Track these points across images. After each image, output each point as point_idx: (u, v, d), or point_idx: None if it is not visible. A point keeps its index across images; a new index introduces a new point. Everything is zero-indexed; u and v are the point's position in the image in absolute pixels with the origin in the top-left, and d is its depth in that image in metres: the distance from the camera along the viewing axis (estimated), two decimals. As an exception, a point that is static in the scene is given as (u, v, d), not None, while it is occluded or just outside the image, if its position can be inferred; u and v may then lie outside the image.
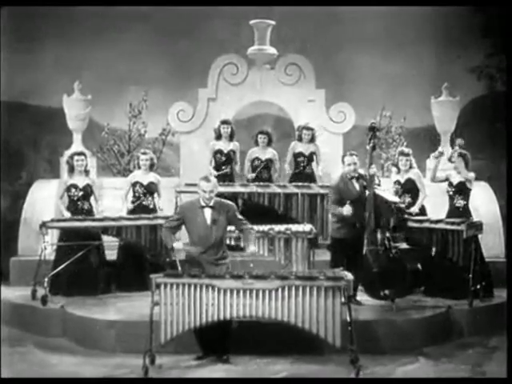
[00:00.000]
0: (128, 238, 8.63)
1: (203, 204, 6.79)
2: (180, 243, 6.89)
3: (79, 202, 8.79)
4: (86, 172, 8.91)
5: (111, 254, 9.08)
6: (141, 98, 12.43)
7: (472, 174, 8.43)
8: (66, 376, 6.53)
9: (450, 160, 8.57)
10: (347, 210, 7.74)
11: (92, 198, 8.93)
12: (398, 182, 8.75)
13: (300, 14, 11.92)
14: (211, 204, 6.78)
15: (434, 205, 8.95)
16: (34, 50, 12.37)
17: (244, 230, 6.97)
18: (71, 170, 8.83)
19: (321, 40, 12.60)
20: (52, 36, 12.50)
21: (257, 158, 10.16)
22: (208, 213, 6.79)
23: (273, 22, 11.03)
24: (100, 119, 12.40)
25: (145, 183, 9.07)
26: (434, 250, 8.44)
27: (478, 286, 8.07)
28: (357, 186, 7.92)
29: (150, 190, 9.08)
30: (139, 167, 9.16)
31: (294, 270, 7.71)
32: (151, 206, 9.06)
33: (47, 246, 8.45)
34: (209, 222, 6.77)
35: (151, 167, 9.16)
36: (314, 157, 10.16)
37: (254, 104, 11.49)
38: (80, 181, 8.82)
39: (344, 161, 8.03)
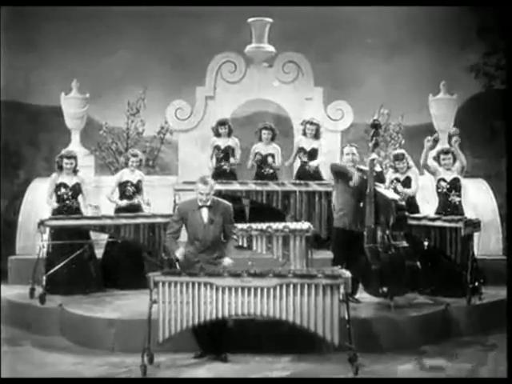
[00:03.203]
0: (126, 237, 8.62)
1: (200, 204, 6.78)
2: (182, 252, 6.84)
3: (68, 200, 8.73)
4: (75, 172, 8.86)
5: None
6: (139, 97, 12.38)
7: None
8: (64, 375, 6.51)
9: (435, 159, 8.54)
10: (355, 179, 7.76)
11: (80, 197, 8.89)
12: (397, 180, 8.75)
13: (298, 12, 11.89)
14: (208, 204, 6.78)
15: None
16: (33, 49, 12.34)
17: (230, 238, 6.94)
18: (60, 168, 8.80)
19: (319, 38, 12.57)
20: (50, 35, 12.48)
21: (258, 153, 10.14)
22: (205, 213, 6.77)
23: (271, 20, 11.02)
24: (98, 117, 12.36)
25: (135, 182, 9.09)
26: (425, 244, 8.39)
27: (477, 284, 8.07)
28: (356, 176, 7.87)
29: (139, 188, 9.11)
30: (126, 166, 9.17)
31: (292, 268, 7.70)
32: (141, 204, 9.08)
33: (45, 245, 8.43)
34: (206, 221, 6.76)
35: (138, 167, 9.20)
36: (317, 154, 10.08)
37: (251, 102, 11.47)
38: (69, 180, 8.78)
39: (343, 151, 8.09)
